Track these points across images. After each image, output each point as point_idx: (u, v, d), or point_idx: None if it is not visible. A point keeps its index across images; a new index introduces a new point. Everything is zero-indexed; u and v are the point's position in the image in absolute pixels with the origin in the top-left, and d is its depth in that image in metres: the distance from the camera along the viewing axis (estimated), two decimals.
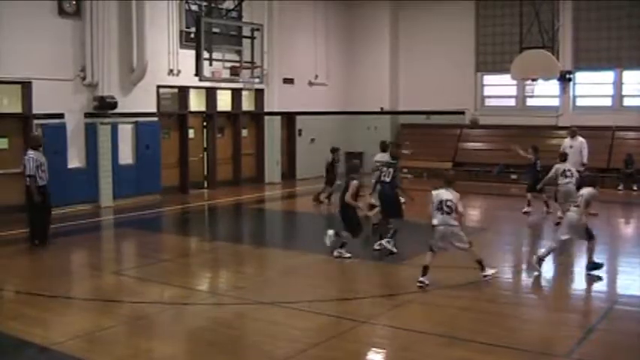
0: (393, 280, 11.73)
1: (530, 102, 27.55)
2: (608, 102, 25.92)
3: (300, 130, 27.21)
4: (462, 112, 27.12)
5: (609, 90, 25.93)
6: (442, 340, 8.50)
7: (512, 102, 27.77)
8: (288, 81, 26.07)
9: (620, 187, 22.80)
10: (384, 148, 16.41)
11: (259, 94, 25.22)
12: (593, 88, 26.42)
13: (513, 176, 24.00)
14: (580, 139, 19.03)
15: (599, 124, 23.99)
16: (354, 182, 12.84)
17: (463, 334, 8.75)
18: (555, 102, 26.40)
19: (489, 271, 11.19)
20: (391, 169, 13.65)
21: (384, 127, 28.54)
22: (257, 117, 25.54)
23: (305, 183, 25.35)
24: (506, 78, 24.72)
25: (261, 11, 24.25)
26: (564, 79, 25.16)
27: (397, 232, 13.36)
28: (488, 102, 28.34)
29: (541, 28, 23.11)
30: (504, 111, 27.30)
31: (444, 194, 10.90)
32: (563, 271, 12.52)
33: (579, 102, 26.30)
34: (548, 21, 23.85)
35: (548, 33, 23.51)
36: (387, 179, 13.61)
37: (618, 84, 25.69)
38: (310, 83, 27.29)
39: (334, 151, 20.67)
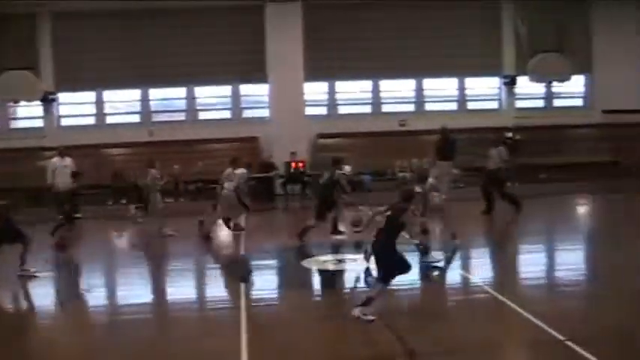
0: None
1: (15, 124, 26.88)
2: (92, 120, 26.70)
3: None
4: None
5: (93, 109, 26.74)
6: None
7: None
8: None
9: (110, 202, 23.50)
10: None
11: None
12: (78, 107, 26.92)
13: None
14: (68, 158, 19.15)
15: (85, 142, 24.44)
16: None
17: None
18: (40, 123, 26.25)
19: None
20: None
21: None
22: None
23: None
24: None
25: None
26: (47, 99, 25.21)
27: None
28: None
29: (24, 49, 22.73)
30: None
31: None
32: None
33: (64, 122, 26.57)
34: (30, 40, 23.56)
35: (31, 54, 23.25)
36: None
37: (100, 104, 26.64)
38: None
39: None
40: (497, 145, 19.07)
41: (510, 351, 8.69)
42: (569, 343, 8.09)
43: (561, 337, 8.29)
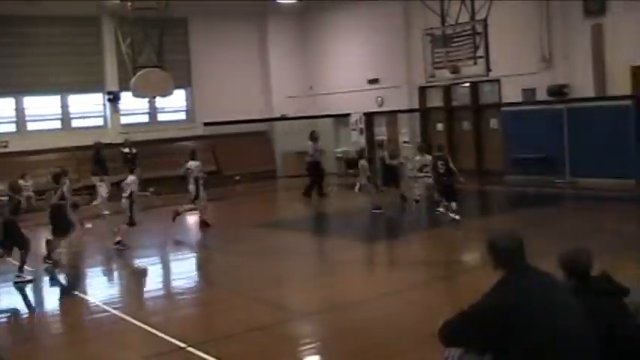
0: None
1: None
2: None
3: None
4: None
5: None
6: None
7: None
8: None
9: None
10: None
11: None
12: None
13: None
14: None
15: None
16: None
17: None
18: None
19: None
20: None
21: None
22: None
23: None
24: None
25: None
26: None
27: None
28: None
29: None
30: None
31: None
32: None
33: None
34: None
35: None
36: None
37: None
38: None
39: None
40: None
41: None
42: (191, 349, 8.35)
43: (182, 345, 8.52)
